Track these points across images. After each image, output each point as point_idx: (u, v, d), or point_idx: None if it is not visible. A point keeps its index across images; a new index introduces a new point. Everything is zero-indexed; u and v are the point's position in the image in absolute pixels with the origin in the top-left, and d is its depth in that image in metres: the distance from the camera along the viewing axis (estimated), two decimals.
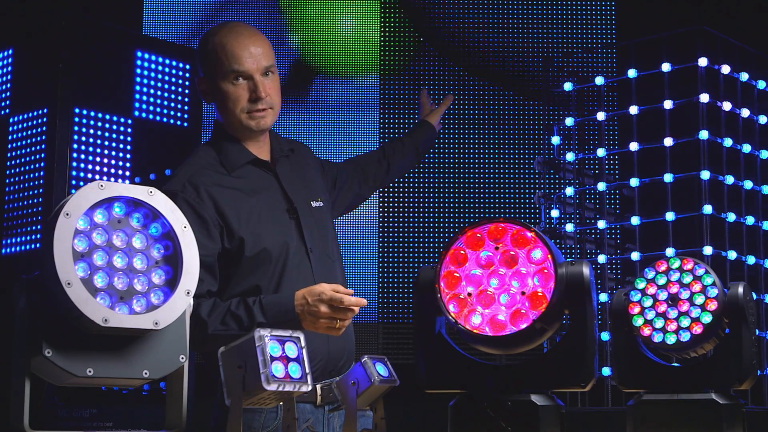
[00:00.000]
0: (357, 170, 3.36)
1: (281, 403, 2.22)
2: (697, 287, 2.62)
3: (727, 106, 5.27)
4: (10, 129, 4.93)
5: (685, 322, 2.60)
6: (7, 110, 4.97)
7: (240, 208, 2.87)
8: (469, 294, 2.36)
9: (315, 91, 7.19)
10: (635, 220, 5.26)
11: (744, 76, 5.40)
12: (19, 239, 4.84)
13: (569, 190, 5.55)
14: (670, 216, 5.14)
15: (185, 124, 5.29)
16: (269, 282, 2.85)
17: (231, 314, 2.74)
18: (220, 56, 2.92)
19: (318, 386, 2.80)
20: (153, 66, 5.19)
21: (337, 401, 2.60)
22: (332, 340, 2.87)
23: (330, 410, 2.87)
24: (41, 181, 4.79)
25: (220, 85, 2.94)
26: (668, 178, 5.18)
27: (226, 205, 2.86)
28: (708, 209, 5.05)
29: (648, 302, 2.65)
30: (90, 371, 1.96)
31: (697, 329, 2.59)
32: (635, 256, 5.22)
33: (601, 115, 5.49)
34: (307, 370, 2.13)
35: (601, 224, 5.39)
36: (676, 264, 2.66)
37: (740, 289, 2.60)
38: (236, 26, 3.00)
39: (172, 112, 5.23)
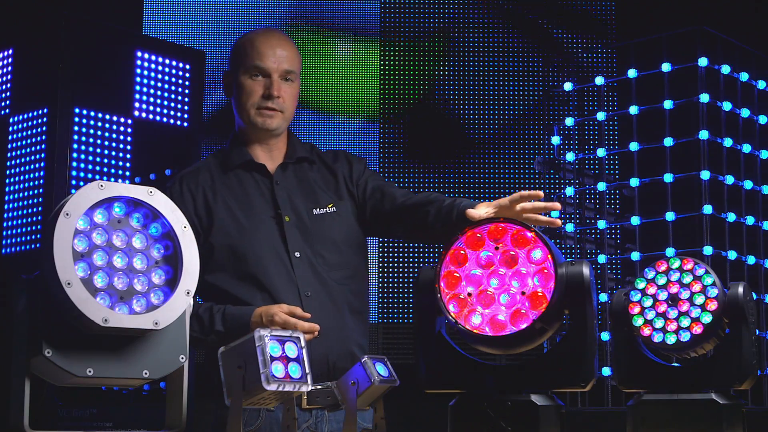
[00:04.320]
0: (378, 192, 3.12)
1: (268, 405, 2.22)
2: (697, 287, 2.62)
3: (727, 106, 5.27)
4: (10, 129, 4.93)
5: (685, 322, 2.60)
6: (7, 110, 4.97)
7: (218, 208, 2.99)
8: (469, 294, 2.35)
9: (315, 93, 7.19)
10: (635, 220, 5.25)
11: (744, 76, 5.40)
12: (19, 239, 4.83)
13: (569, 190, 5.54)
14: (670, 216, 5.14)
15: (185, 124, 5.28)
16: (243, 281, 2.94)
17: (196, 317, 2.85)
18: (247, 51, 3.05)
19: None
20: (153, 66, 5.19)
21: (330, 404, 2.59)
22: (312, 344, 2.87)
23: (328, 410, 2.86)
24: (41, 181, 4.79)
25: (240, 78, 3.05)
26: (668, 178, 5.18)
27: (202, 203, 3.00)
28: (708, 209, 5.04)
29: (648, 302, 2.64)
30: (90, 371, 1.96)
31: (697, 329, 2.58)
32: (635, 256, 5.22)
33: (601, 115, 5.49)
34: (307, 370, 2.13)
35: (601, 224, 5.39)
36: (676, 264, 2.65)
37: (740, 289, 2.60)
38: (270, 30, 3.14)
39: (172, 112, 5.23)
